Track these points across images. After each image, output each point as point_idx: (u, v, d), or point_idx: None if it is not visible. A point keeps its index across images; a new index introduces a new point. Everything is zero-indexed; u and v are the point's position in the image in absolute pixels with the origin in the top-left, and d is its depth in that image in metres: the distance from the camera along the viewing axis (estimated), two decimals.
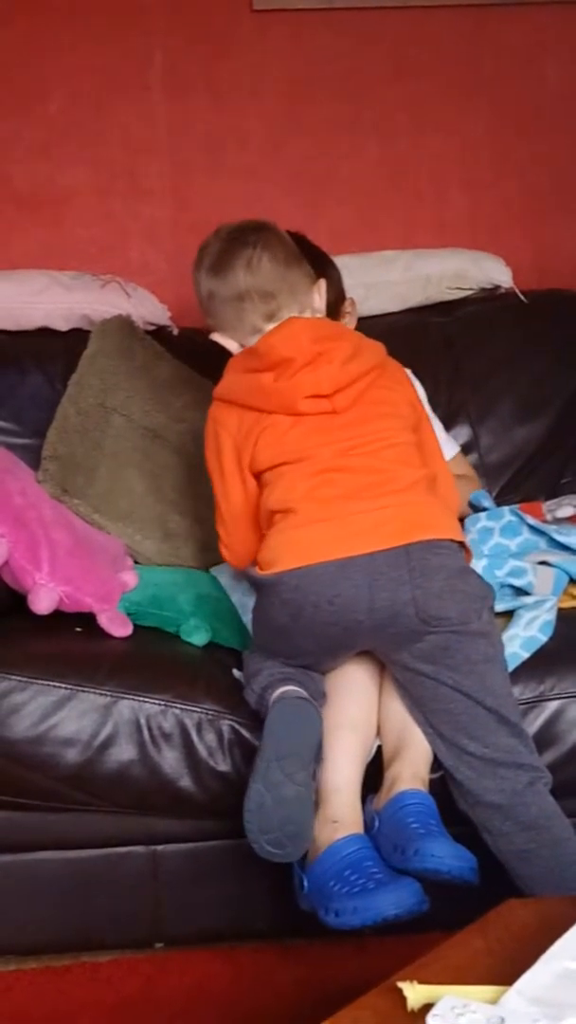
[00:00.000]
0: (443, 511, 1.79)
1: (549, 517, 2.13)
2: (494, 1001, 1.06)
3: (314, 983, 1.77)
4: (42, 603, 1.91)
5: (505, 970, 1.12)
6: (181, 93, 2.68)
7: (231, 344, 1.90)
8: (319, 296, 1.92)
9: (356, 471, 1.75)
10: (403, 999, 1.09)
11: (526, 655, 1.83)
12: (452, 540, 1.75)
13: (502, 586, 1.95)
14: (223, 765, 1.78)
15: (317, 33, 2.69)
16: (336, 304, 2.18)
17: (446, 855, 1.58)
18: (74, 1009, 1.78)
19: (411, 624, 1.70)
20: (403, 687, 1.77)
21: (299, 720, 1.67)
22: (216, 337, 1.92)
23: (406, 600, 1.68)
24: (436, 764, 1.75)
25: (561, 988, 1.06)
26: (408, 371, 2.31)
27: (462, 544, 1.78)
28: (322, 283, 1.93)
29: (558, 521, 2.11)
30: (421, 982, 1.10)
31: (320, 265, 2.17)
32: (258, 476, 1.83)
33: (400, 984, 1.09)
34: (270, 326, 1.86)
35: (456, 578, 1.72)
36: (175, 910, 1.87)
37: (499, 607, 1.92)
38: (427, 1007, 1.07)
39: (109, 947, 1.89)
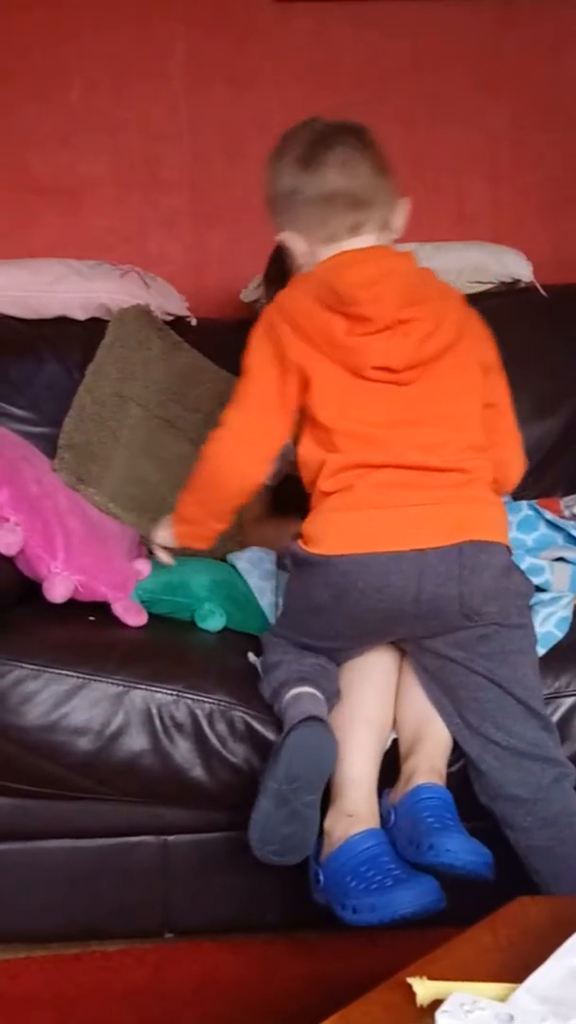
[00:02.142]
0: (495, 512, 1.76)
1: (567, 513, 2.12)
2: (503, 998, 1.06)
3: (323, 976, 1.76)
4: (57, 591, 1.91)
5: (515, 967, 1.11)
6: (202, 82, 2.68)
7: (300, 245, 1.78)
8: (402, 216, 1.81)
9: (418, 461, 1.69)
10: (412, 994, 1.09)
11: (541, 651, 1.83)
12: (500, 543, 1.73)
13: None
14: (235, 756, 1.78)
15: (338, 23, 2.68)
16: None
17: (461, 850, 1.58)
18: (82, 997, 1.78)
19: (454, 618, 1.70)
20: (430, 674, 1.76)
21: (315, 751, 1.65)
22: (284, 237, 1.79)
23: (452, 596, 1.68)
24: (457, 754, 1.74)
25: (571, 987, 1.06)
26: None
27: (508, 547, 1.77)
28: (406, 202, 1.81)
29: None
30: (431, 978, 1.10)
31: None
32: (303, 412, 1.73)
33: (410, 979, 1.09)
34: (351, 239, 1.74)
35: (502, 576, 1.71)
36: (185, 900, 1.87)
37: None
38: (436, 1003, 1.06)
39: (118, 936, 1.89)
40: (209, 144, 2.69)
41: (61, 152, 2.65)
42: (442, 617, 1.70)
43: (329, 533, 1.70)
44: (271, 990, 1.75)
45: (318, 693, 1.71)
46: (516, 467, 1.88)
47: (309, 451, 1.74)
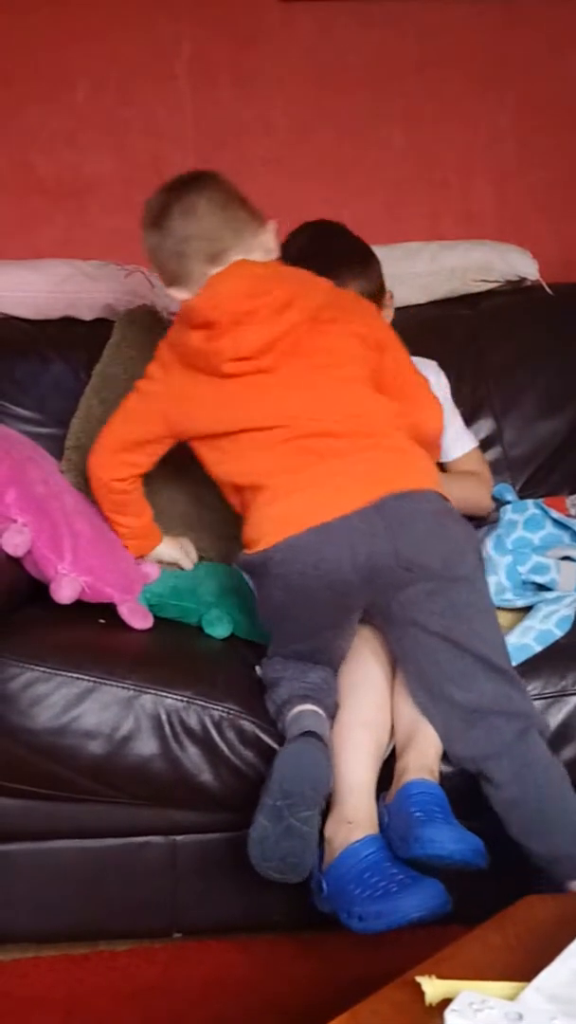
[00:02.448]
0: (414, 460, 1.80)
1: (573, 511, 2.11)
2: (512, 997, 1.06)
3: (330, 975, 1.76)
4: (64, 592, 1.91)
5: (524, 966, 1.12)
6: (207, 82, 2.68)
7: (184, 295, 1.90)
8: (270, 236, 1.92)
9: (313, 429, 1.77)
10: (421, 993, 1.09)
11: (538, 648, 1.83)
12: (427, 489, 1.76)
13: (525, 583, 1.94)
14: (244, 762, 1.78)
15: (343, 22, 2.68)
16: (377, 295, 2.18)
17: (447, 840, 1.57)
18: (90, 997, 1.78)
19: (395, 574, 1.71)
20: (402, 653, 1.77)
21: (308, 767, 1.65)
22: (171, 292, 1.92)
23: (387, 551, 1.70)
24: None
25: None
26: (434, 363, 2.32)
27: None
28: (271, 225, 1.92)
29: None
30: (439, 977, 1.10)
31: (363, 258, 2.18)
32: (194, 440, 1.88)
33: (419, 978, 1.09)
34: (215, 269, 1.87)
35: (433, 523, 1.73)
36: (192, 900, 1.87)
37: (520, 602, 1.92)
38: (445, 1002, 1.07)
39: (126, 936, 1.89)
40: (214, 144, 2.69)
41: (66, 152, 2.65)
42: (385, 575, 1.71)
43: (262, 531, 1.74)
44: (278, 990, 1.75)
45: (320, 710, 1.72)
46: (427, 418, 1.93)
47: (212, 467, 1.87)
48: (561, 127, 2.76)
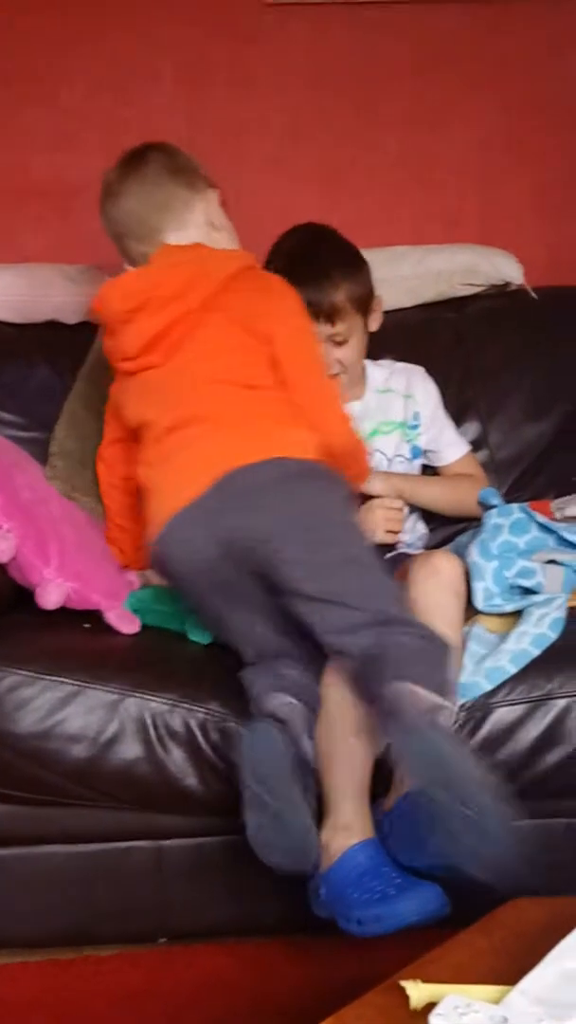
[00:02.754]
0: (254, 431, 1.79)
1: (558, 515, 2.11)
2: (497, 1001, 1.06)
3: (319, 979, 1.76)
4: (50, 598, 1.91)
5: (509, 970, 1.12)
6: (200, 85, 2.67)
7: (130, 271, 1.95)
8: (211, 206, 1.94)
9: (179, 425, 1.81)
10: (406, 997, 1.09)
11: (536, 652, 1.83)
12: (268, 458, 1.76)
13: (512, 587, 1.95)
14: (229, 765, 1.76)
15: (337, 25, 2.67)
16: (366, 299, 2.18)
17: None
18: (78, 1002, 1.78)
19: (249, 547, 1.72)
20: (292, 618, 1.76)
21: (261, 745, 1.64)
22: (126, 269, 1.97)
23: (233, 527, 1.72)
24: None
25: (565, 988, 1.06)
26: (421, 370, 2.32)
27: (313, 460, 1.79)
28: (210, 193, 1.95)
29: (567, 519, 2.10)
30: (425, 980, 1.10)
31: (352, 262, 2.18)
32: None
33: (403, 983, 1.09)
34: (151, 249, 1.90)
35: (276, 489, 1.74)
36: (180, 905, 1.87)
37: (509, 607, 1.92)
38: (430, 1006, 1.07)
39: (113, 941, 1.89)
40: (208, 147, 2.68)
41: (59, 154, 2.64)
42: (240, 550, 1.73)
43: (149, 530, 1.81)
44: (266, 994, 1.75)
45: (291, 699, 1.71)
46: (330, 432, 1.88)
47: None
48: (550, 130, 2.76)
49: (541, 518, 2.03)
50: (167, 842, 1.84)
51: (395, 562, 2.00)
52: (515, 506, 2.05)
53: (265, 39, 2.66)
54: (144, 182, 1.92)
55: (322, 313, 2.11)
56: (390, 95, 2.71)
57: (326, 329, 2.13)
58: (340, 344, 2.15)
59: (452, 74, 2.72)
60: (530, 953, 1.12)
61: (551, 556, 1.96)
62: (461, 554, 1.95)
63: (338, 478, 1.82)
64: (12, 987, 1.79)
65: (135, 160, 1.96)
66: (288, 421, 1.83)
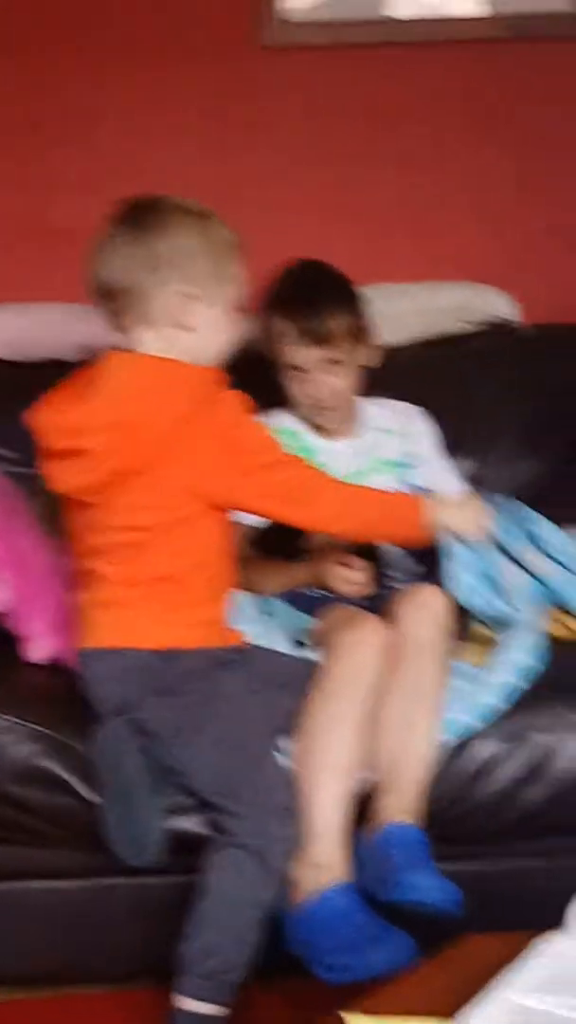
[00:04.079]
0: (99, 621, 1.78)
1: None
2: None
3: (297, 1016, 1.73)
4: (41, 654, 1.91)
5: (457, 1003, 1.11)
6: (196, 129, 2.71)
7: None
8: (180, 314, 1.75)
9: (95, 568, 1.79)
10: None
11: (524, 684, 1.81)
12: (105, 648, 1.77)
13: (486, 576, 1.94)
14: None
15: (332, 67, 2.70)
16: (361, 330, 2.18)
17: (429, 888, 1.57)
18: None
19: None
20: None
21: (111, 737, 1.71)
22: None
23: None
24: (435, 795, 1.74)
25: (504, 1021, 1.04)
26: (420, 410, 2.32)
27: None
28: (194, 307, 1.76)
29: None
30: (367, 1013, 1.09)
31: (350, 294, 2.19)
32: None
33: (345, 1015, 1.07)
34: (130, 336, 1.78)
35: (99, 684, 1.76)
36: (160, 944, 1.84)
37: (490, 611, 1.92)
38: None
39: (93, 980, 1.88)
40: (206, 188, 2.70)
41: (85, 198, 2.67)
42: None
43: None
44: None
45: None
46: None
47: None
48: (548, 172, 2.77)
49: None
50: (147, 879, 1.82)
51: (382, 600, 1.99)
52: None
53: (262, 82, 2.70)
54: (134, 249, 1.75)
55: (315, 337, 2.11)
56: (387, 135, 2.73)
57: (317, 353, 2.12)
58: (334, 371, 2.15)
59: (449, 115, 2.74)
60: (477, 987, 1.10)
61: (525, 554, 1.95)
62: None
63: None
64: None
65: (141, 214, 1.78)
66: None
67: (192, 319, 1.77)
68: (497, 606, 1.91)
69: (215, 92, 2.70)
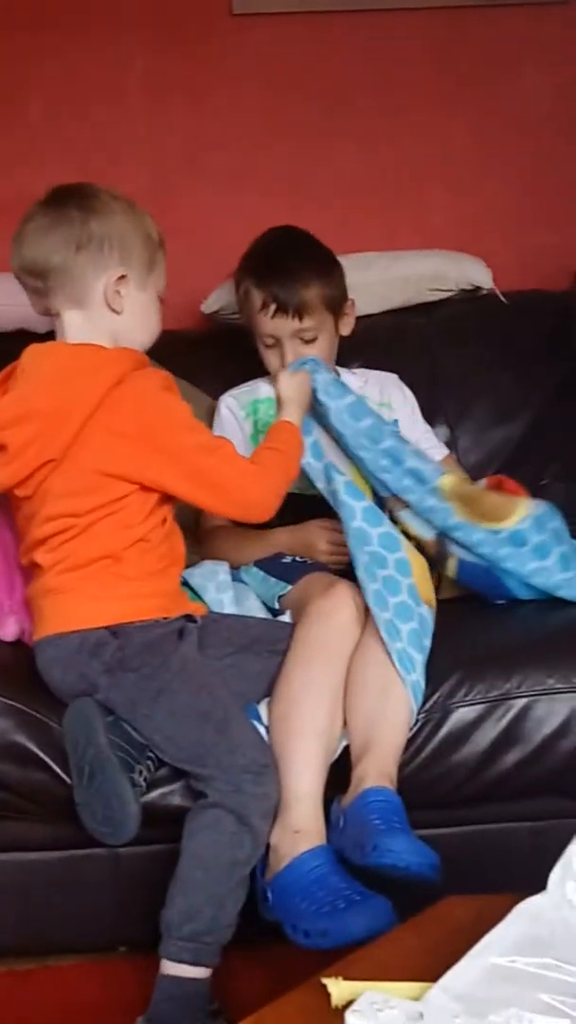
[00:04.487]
0: (45, 610, 1.78)
1: None
2: (418, 998, 1.05)
3: (279, 982, 1.72)
4: (9, 630, 1.90)
5: (437, 967, 1.10)
6: (160, 98, 2.68)
7: None
8: (109, 293, 1.77)
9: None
10: (328, 995, 1.07)
11: (399, 623, 1.80)
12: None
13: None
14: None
15: (296, 36, 2.69)
16: (337, 299, 2.17)
17: (405, 851, 1.56)
18: (37, 1013, 1.76)
19: None
20: None
21: (78, 714, 1.71)
22: None
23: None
24: (408, 757, 1.75)
25: (486, 984, 1.04)
26: (394, 377, 2.32)
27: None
28: (127, 289, 1.78)
29: None
30: (349, 978, 1.08)
31: (325, 263, 2.18)
32: None
33: (325, 980, 1.07)
34: (55, 319, 1.80)
35: (53, 670, 1.76)
36: (138, 913, 1.84)
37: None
38: (351, 1003, 1.05)
39: (71, 951, 1.87)
40: (168, 159, 2.69)
41: (21, 170, 2.65)
42: None
43: None
44: (227, 1000, 1.73)
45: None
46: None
47: None
48: (514, 138, 2.76)
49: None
50: (123, 850, 1.81)
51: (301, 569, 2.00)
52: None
53: (225, 51, 2.68)
54: (58, 227, 1.76)
55: (290, 307, 2.10)
56: (351, 105, 2.72)
57: (293, 324, 2.12)
58: (308, 342, 2.14)
59: (414, 83, 2.73)
60: (457, 951, 1.10)
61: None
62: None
63: None
64: None
65: (67, 196, 1.80)
66: None
67: (123, 302, 1.79)
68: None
69: (172, 61, 2.67)
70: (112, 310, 1.79)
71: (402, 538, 1.90)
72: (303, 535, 2.08)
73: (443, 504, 1.93)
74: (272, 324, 2.13)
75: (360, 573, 1.85)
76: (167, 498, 1.80)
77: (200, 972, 1.61)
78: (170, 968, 1.61)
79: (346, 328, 2.22)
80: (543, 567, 1.92)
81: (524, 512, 1.92)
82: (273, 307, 2.11)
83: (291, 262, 2.15)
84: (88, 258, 1.76)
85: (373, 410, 2.01)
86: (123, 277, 1.79)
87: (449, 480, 1.95)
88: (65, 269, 1.76)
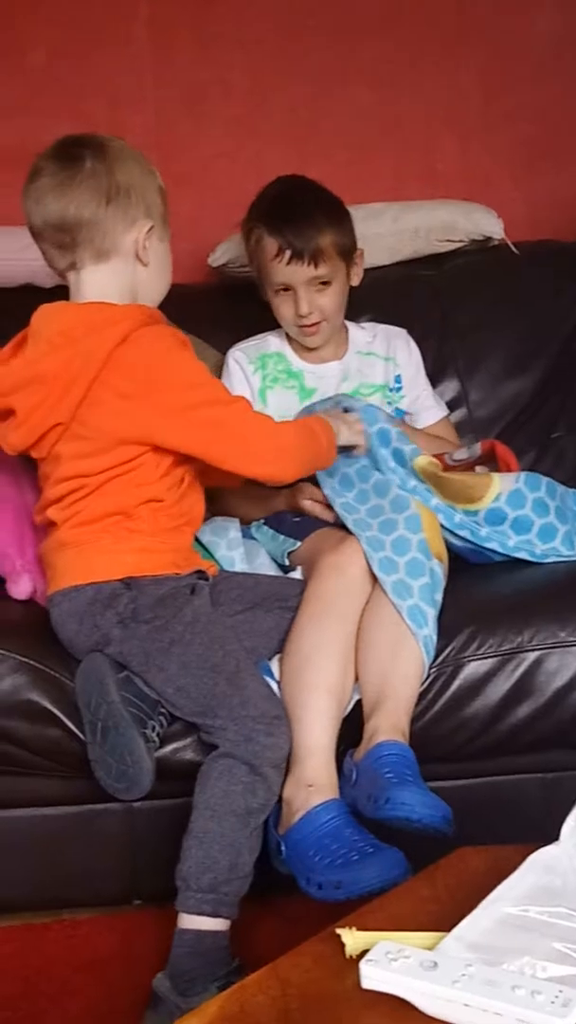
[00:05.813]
0: (59, 564, 1.78)
1: (449, 461, 2.05)
2: (432, 947, 1.05)
3: (294, 935, 1.74)
4: (23, 588, 1.91)
5: (451, 918, 1.11)
6: (165, 44, 2.64)
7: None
8: (140, 246, 1.76)
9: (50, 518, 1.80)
10: (343, 945, 1.07)
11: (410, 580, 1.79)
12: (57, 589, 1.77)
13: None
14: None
15: None
16: (348, 248, 2.16)
17: (418, 804, 1.56)
18: (51, 966, 1.78)
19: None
20: None
21: (90, 670, 1.72)
22: None
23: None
24: (419, 711, 1.75)
25: (499, 933, 1.05)
26: (404, 332, 2.30)
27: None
28: (152, 240, 1.77)
29: (456, 462, 2.04)
30: (363, 929, 1.09)
31: (337, 210, 2.16)
32: None
33: (339, 930, 1.08)
34: (72, 276, 1.79)
35: (67, 623, 1.76)
36: (152, 867, 1.86)
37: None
38: (365, 953, 1.05)
39: (87, 904, 1.89)
40: (174, 106, 2.66)
41: (23, 118, 2.62)
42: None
43: None
44: (241, 953, 1.74)
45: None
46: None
47: None
48: (526, 86, 2.73)
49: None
50: (137, 804, 1.82)
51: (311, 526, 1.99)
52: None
53: None
54: (82, 183, 1.73)
55: (306, 254, 2.09)
56: (360, 52, 2.68)
57: (308, 271, 2.10)
58: (321, 289, 2.13)
59: (424, 29, 2.68)
60: (473, 901, 1.11)
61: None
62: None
63: None
64: None
65: (84, 149, 1.76)
66: None
67: (148, 253, 1.78)
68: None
69: (176, 6, 2.63)
70: (141, 262, 1.78)
71: (411, 497, 1.89)
72: (294, 489, 2.05)
73: (424, 485, 1.93)
74: (286, 271, 2.11)
75: (364, 545, 1.83)
76: (186, 458, 1.78)
77: (219, 924, 1.62)
78: (188, 922, 1.61)
79: (356, 278, 2.21)
80: (526, 540, 1.92)
81: (497, 489, 1.90)
82: (288, 253, 2.10)
83: (305, 208, 2.13)
84: (118, 209, 1.74)
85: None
86: (150, 229, 1.77)
87: (421, 462, 1.94)
88: (97, 222, 1.73)
